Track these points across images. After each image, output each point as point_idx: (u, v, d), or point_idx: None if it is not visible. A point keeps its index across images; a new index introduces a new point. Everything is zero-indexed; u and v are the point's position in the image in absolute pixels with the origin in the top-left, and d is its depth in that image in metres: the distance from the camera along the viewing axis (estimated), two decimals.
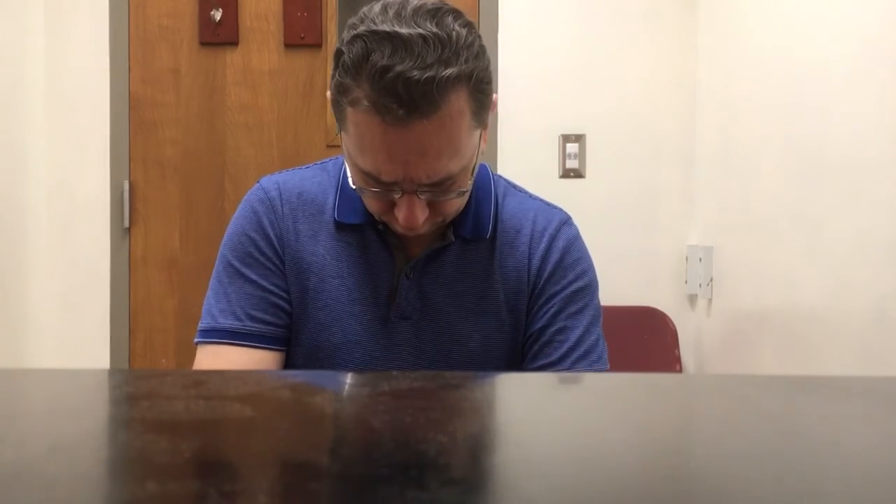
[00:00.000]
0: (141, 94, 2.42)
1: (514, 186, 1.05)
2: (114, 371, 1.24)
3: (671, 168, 2.39)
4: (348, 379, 0.67)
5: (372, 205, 0.90)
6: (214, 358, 0.94)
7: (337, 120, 0.87)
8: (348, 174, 0.90)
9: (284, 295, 0.96)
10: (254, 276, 0.95)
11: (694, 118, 2.37)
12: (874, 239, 1.41)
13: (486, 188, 0.99)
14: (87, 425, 0.43)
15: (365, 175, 0.85)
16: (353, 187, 0.89)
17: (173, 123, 2.43)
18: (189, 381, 0.54)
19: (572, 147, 2.39)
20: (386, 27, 0.78)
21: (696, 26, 2.36)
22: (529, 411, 0.50)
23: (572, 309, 0.98)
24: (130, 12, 2.41)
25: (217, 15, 2.40)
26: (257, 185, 1.00)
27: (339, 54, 0.82)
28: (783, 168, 1.77)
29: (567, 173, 2.39)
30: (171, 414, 0.43)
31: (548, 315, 0.98)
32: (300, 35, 2.39)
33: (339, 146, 0.92)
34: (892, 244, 1.36)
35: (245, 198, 1.00)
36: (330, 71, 0.85)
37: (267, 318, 0.95)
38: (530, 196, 1.04)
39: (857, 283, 1.47)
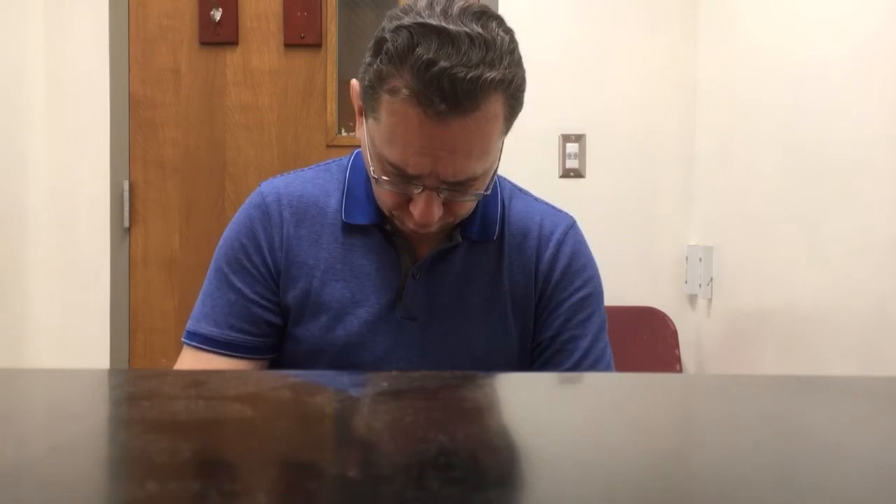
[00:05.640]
0: (141, 94, 2.42)
1: (519, 189, 1.05)
2: (114, 371, 1.24)
3: (671, 168, 2.39)
4: (348, 379, 0.67)
5: (386, 198, 0.88)
6: (193, 360, 0.96)
7: (366, 108, 0.86)
8: (368, 164, 0.87)
9: (268, 305, 0.96)
10: (239, 284, 0.95)
11: (694, 118, 2.37)
12: (874, 239, 1.41)
13: (493, 190, 0.99)
14: (87, 425, 0.43)
15: (389, 166, 0.84)
16: (374, 177, 0.86)
17: (173, 123, 2.43)
18: (189, 381, 0.53)
19: (572, 147, 2.39)
20: (433, 21, 0.78)
21: (696, 26, 2.36)
22: (529, 411, 0.49)
23: (581, 317, 0.98)
24: (130, 12, 2.41)
25: (217, 15, 2.40)
26: (257, 190, 1.00)
27: (381, 42, 0.81)
28: (783, 168, 1.77)
29: (567, 173, 2.39)
30: (171, 414, 0.43)
31: (557, 323, 0.98)
32: (300, 35, 2.39)
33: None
34: (892, 244, 1.36)
35: (244, 203, 1.00)
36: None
37: (246, 327, 0.95)
38: (535, 199, 1.04)
39: (857, 283, 1.47)
